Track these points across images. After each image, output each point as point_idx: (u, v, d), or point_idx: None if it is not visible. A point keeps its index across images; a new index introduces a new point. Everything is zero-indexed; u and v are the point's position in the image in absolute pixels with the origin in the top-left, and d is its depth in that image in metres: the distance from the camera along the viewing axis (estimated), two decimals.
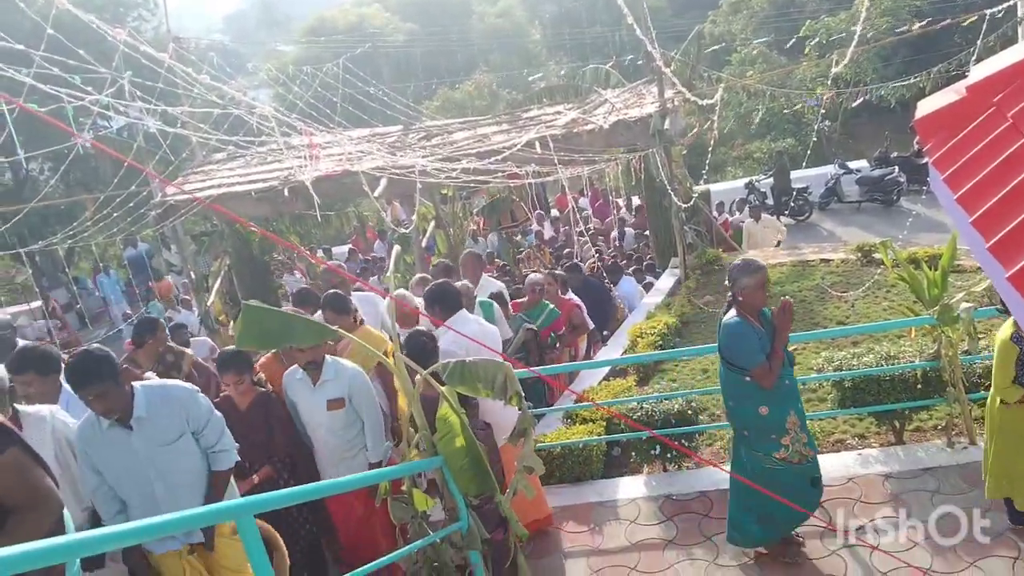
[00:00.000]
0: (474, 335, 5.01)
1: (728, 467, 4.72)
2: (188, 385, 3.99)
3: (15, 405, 3.82)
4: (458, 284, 6.29)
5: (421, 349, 4.63)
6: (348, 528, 5.01)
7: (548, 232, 17.95)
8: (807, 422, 4.46)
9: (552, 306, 7.69)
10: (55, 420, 3.88)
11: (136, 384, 3.81)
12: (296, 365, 4.90)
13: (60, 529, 2.60)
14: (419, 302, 6.01)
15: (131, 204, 10.94)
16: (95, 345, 3.76)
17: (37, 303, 16.84)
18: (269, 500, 3.60)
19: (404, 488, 4.29)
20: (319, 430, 4.83)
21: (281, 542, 4.04)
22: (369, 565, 3.64)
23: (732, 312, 4.38)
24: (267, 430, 4.84)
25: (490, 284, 7.87)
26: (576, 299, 8.36)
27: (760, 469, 4.31)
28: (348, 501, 4.86)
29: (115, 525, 3.70)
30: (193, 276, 13.56)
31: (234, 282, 13.41)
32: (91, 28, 5.96)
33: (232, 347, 5.08)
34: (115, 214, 10.99)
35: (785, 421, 4.25)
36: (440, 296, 5.27)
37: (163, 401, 3.78)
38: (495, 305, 7.01)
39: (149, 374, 5.42)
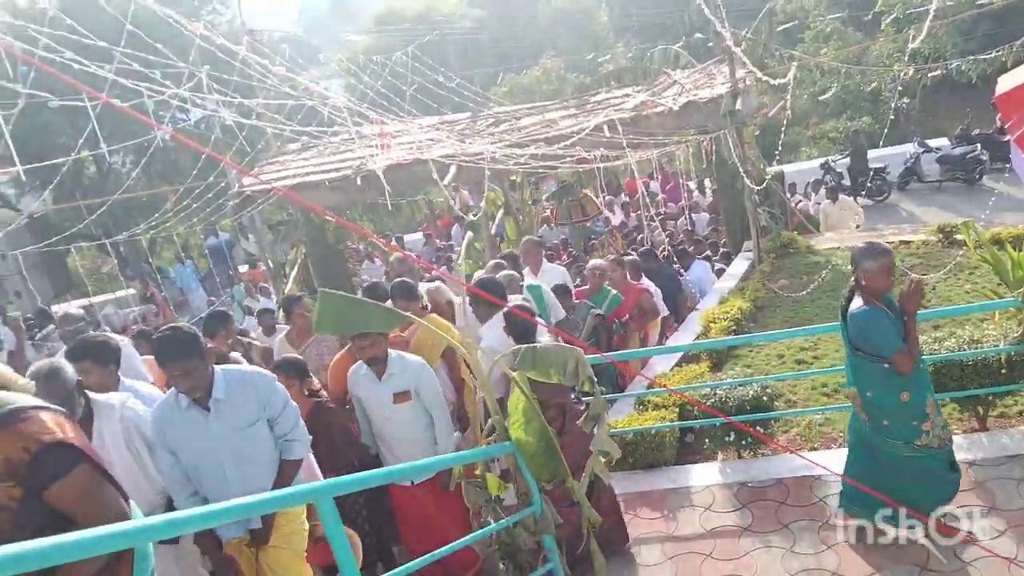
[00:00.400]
0: (497, 336, 5.09)
1: (807, 454, 4.64)
2: (266, 372, 4.05)
3: (87, 393, 3.90)
4: (502, 274, 6.34)
5: (524, 325, 4.80)
6: (414, 525, 4.99)
7: (618, 218, 17.80)
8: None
9: (615, 292, 7.63)
10: (125, 409, 3.96)
11: (217, 367, 3.87)
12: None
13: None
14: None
15: (210, 195, 11.23)
16: (183, 323, 3.86)
17: (122, 292, 17.45)
18: (347, 483, 3.68)
19: (478, 473, 4.34)
20: (387, 424, 4.81)
21: (357, 539, 4.06)
22: (444, 548, 3.69)
23: (858, 300, 4.17)
24: (328, 441, 4.88)
25: (552, 272, 7.86)
26: (646, 284, 8.28)
27: (897, 458, 4.20)
28: (417, 496, 4.87)
29: (185, 509, 3.80)
30: (271, 264, 13.88)
31: (310, 270, 13.67)
32: (168, 23, 6.10)
33: (290, 355, 5.28)
34: (194, 205, 11.30)
35: (925, 406, 4.13)
36: (478, 295, 5.31)
37: (241, 385, 3.83)
38: (543, 287, 6.98)
39: (235, 355, 5.58)
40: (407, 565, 3.32)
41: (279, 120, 9.33)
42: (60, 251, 14.82)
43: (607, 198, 17.76)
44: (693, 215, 16.50)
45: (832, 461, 4.91)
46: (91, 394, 3.92)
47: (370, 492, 4.95)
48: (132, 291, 18.13)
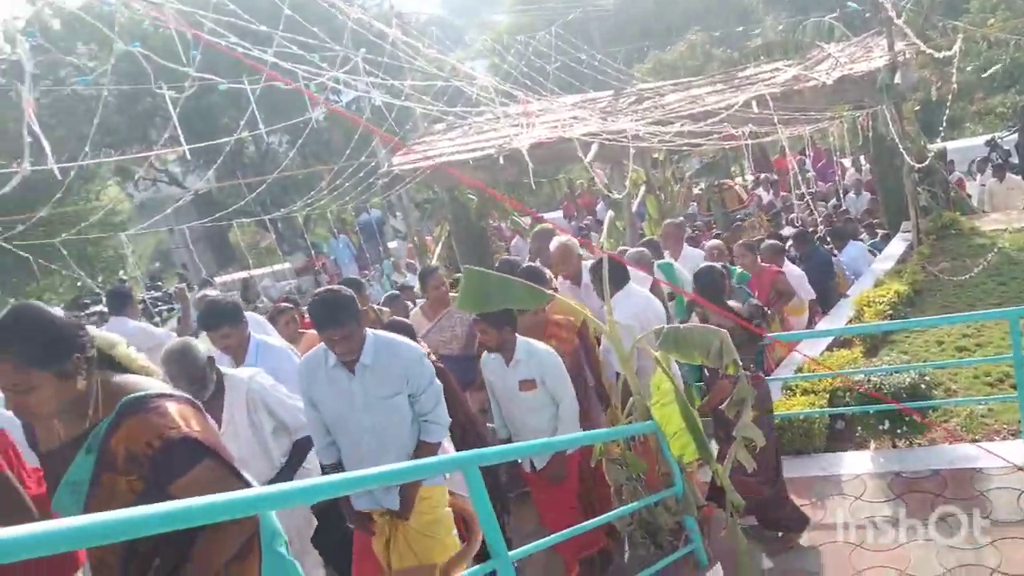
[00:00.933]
0: (630, 313, 4.96)
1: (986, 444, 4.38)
2: (416, 346, 3.94)
3: (219, 368, 3.97)
4: (632, 251, 6.26)
5: (713, 283, 4.82)
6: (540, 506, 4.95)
7: (767, 197, 17.27)
8: None
9: (740, 270, 7.37)
10: (252, 383, 4.00)
11: (369, 331, 3.80)
12: None
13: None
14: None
15: (361, 174, 11.62)
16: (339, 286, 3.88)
17: (280, 265, 18.37)
18: (493, 454, 3.77)
19: (619, 451, 4.35)
20: (514, 410, 4.75)
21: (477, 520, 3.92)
22: (588, 522, 3.74)
23: None
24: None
25: (694, 257, 7.69)
26: (787, 267, 7.96)
27: None
28: (536, 481, 4.81)
29: (323, 458, 3.92)
30: (416, 241, 14.26)
31: (453, 247, 13.97)
32: (322, 6, 6.33)
33: (399, 319, 5.22)
34: (346, 183, 11.73)
35: None
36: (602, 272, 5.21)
37: (389, 354, 3.72)
38: (675, 265, 6.83)
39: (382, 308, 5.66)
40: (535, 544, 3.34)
41: (426, 101, 9.55)
42: (223, 226, 15.72)
43: (757, 176, 17.24)
44: (849, 195, 15.78)
45: (1005, 453, 4.66)
46: (222, 369, 4.00)
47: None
48: (288, 264, 19.07)
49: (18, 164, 4.75)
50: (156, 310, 13.75)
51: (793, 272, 7.92)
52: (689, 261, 7.35)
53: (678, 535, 4.27)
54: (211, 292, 8.78)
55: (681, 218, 10.97)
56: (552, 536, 3.47)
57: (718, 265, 5.46)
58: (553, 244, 6.22)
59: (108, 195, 22.17)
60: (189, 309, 7.13)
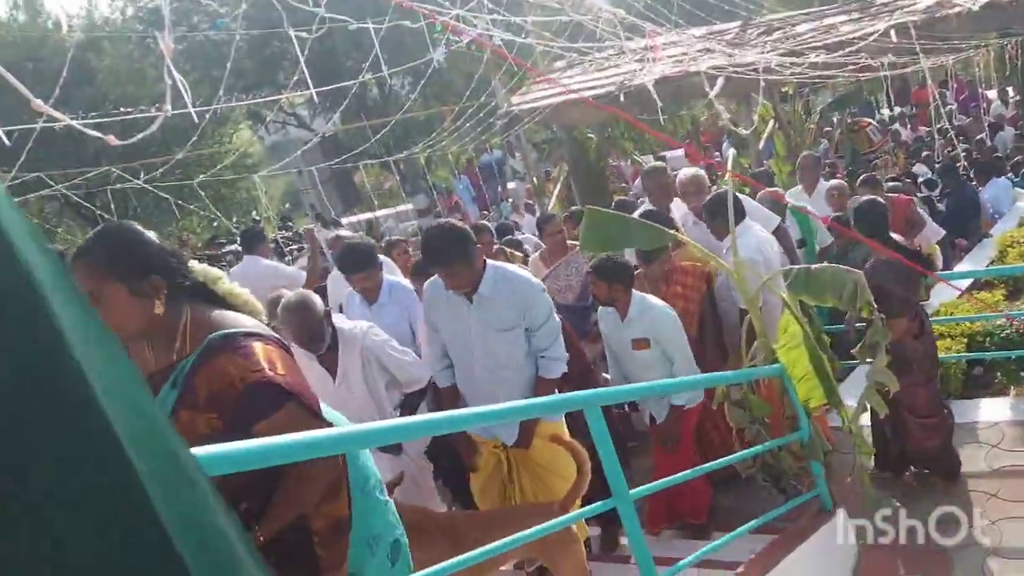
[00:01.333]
0: (754, 247, 4.80)
1: None
2: (535, 281, 3.88)
3: (335, 324, 3.95)
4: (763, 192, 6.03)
5: (876, 217, 4.68)
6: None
7: (904, 133, 16.37)
8: None
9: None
10: (367, 339, 3.97)
11: (491, 263, 3.79)
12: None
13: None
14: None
15: (480, 115, 11.66)
16: (452, 221, 3.91)
17: (403, 206, 18.70)
18: (614, 394, 3.79)
19: (742, 393, 4.29)
20: (629, 366, 4.64)
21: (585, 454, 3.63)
22: (707, 465, 3.72)
23: None
24: None
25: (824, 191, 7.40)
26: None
27: None
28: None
29: (440, 381, 3.98)
30: (536, 182, 14.24)
31: (572, 188, 13.89)
32: None
33: None
34: (467, 124, 11.80)
35: None
36: (718, 208, 4.95)
37: (508, 287, 3.68)
38: (809, 214, 6.50)
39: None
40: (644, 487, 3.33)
41: (548, 37, 9.45)
42: (348, 168, 16.10)
43: (896, 111, 16.32)
44: (995, 130, 14.76)
45: None
46: (338, 323, 4.00)
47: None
48: (411, 206, 19.42)
49: (157, 108, 4.98)
50: (288, 249, 14.28)
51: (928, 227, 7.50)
52: (824, 196, 7.18)
53: (802, 479, 4.20)
54: (343, 232, 9.03)
55: (818, 152, 10.48)
56: (672, 477, 3.46)
57: (879, 199, 5.22)
58: (684, 174, 6.01)
59: (241, 138, 22.95)
60: (317, 249, 7.37)
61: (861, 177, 7.96)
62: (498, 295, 3.67)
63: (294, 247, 14.83)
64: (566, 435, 3.76)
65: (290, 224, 20.57)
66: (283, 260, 11.94)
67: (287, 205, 26.10)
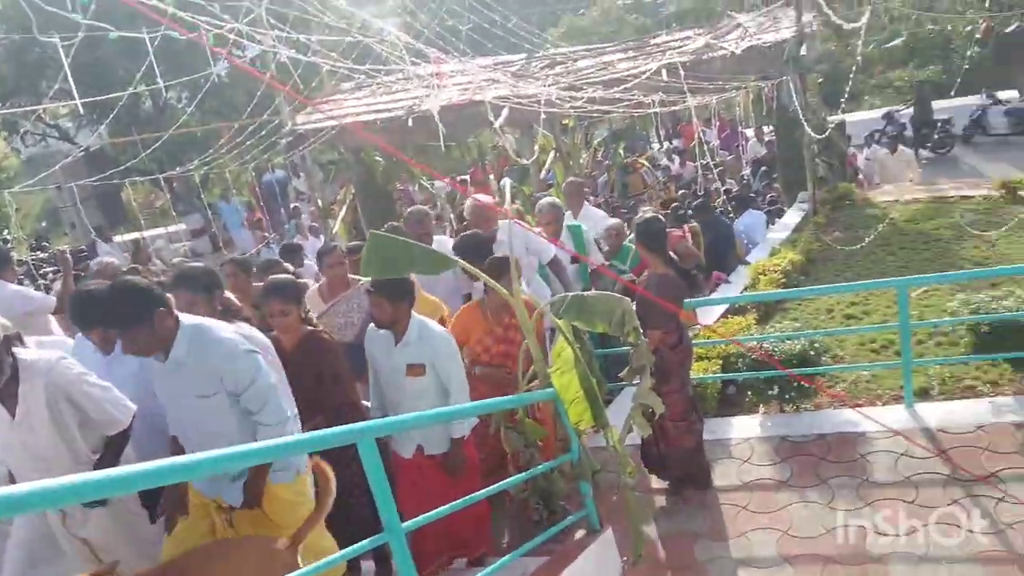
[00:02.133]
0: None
1: (867, 410, 4.59)
2: (233, 340, 3.46)
3: (14, 352, 3.53)
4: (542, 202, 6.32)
5: (654, 232, 4.80)
6: (417, 501, 4.11)
7: (675, 168, 17.51)
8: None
9: (635, 248, 7.31)
10: (53, 372, 3.51)
11: (188, 321, 3.42)
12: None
13: None
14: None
15: (262, 132, 11.29)
16: (132, 280, 3.48)
17: (174, 227, 17.65)
18: (390, 425, 3.74)
19: (518, 417, 4.38)
20: (398, 394, 4.33)
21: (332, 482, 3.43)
22: (481, 492, 3.75)
23: None
24: (315, 374, 4.21)
25: (593, 215, 7.78)
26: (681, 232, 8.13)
27: None
28: (423, 469, 4.32)
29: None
30: (320, 204, 13.96)
31: (358, 210, 13.75)
32: None
33: (283, 276, 4.78)
34: (248, 142, 11.38)
35: None
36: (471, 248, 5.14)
37: (202, 350, 3.37)
38: (583, 227, 6.85)
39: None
40: (413, 521, 3.16)
41: (334, 57, 9.31)
42: (115, 185, 15.04)
43: (668, 145, 17.39)
44: (757, 167, 16.12)
45: (886, 418, 4.88)
46: (19, 353, 3.54)
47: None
48: (183, 226, 18.40)
49: None
50: (41, 272, 13.11)
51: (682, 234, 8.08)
52: (589, 220, 7.45)
53: (572, 500, 4.34)
54: (109, 259, 8.39)
55: (580, 179, 10.87)
56: (448, 505, 3.44)
57: (659, 216, 5.50)
58: (467, 205, 6.14)
59: None
60: (70, 272, 6.80)
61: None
62: (192, 359, 3.36)
63: (49, 270, 13.66)
64: (305, 494, 3.60)
65: (46, 244, 18.95)
66: (35, 284, 10.99)
67: (43, 224, 24.14)
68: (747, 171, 15.81)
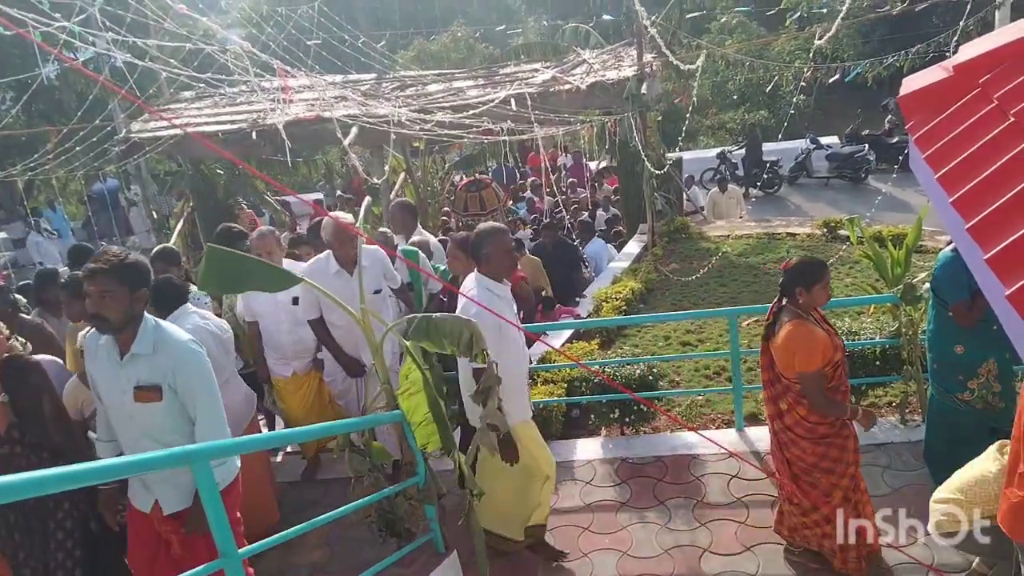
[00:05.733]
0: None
1: (705, 432, 4.78)
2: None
3: None
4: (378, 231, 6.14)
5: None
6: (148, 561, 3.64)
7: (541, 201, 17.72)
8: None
9: (444, 267, 6.91)
10: None
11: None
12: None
13: None
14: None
15: (94, 139, 10.64)
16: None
17: None
18: (231, 446, 3.53)
19: (363, 440, 4.27)
20: (125, 426, 3.44)
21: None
22: (323, 516, 3.62)
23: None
24: (14, 409, 3.66)
25: (422, 236, 7.63)
26: (524, 257, 8.20)
27: (942, 407, 4.39)
28: (162, 527, 3.56)
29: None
30: (155, 215, 13.29)
31: (196, 224, 13.17)
32: None
33: None
34: (77, 148, 10.69)
35: (980, 366, 4.23)
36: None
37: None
38: (420, 253, 6.44)
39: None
40: None
41: (174, 64, 8.90)
42: None
43: (532, 180, 17.47)
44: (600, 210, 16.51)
45: (719, 440, 5.09)
46: None
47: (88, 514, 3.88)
48: (4, 235, 17.12)
49: None
50: None
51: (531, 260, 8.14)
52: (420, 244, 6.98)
53: (417, 524, 4.26)
54: None
55: (408, 200, 10.51)
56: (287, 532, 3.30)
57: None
58: (324, 224, 5.76)
59: None
60: None
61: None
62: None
63: None
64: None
65: None
66: None
67: None
68: (604, 206, 16.18)
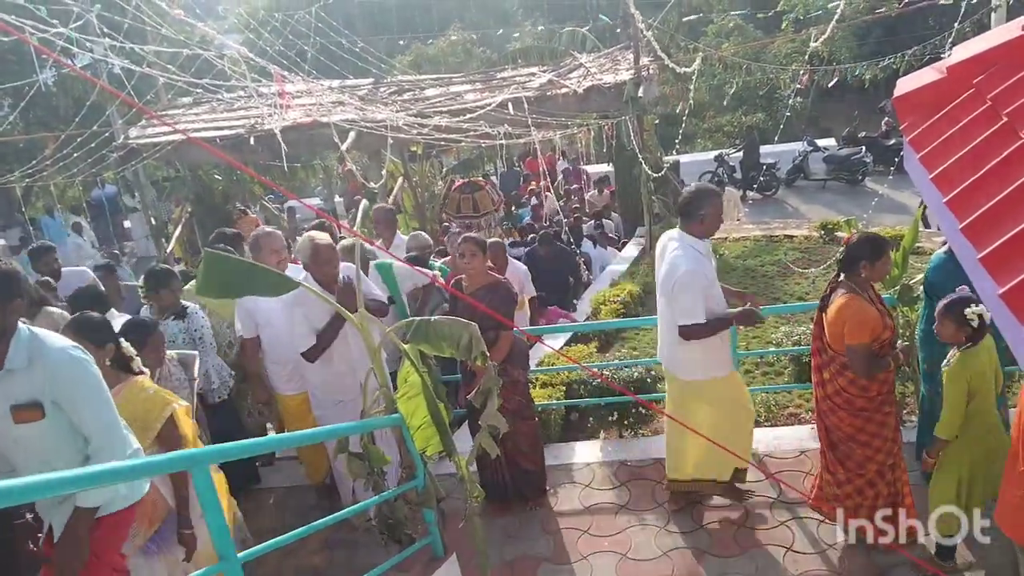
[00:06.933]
0: None
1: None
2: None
3: None
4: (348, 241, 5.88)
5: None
6: None
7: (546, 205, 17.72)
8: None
9: (440, 263, 7.02)
10: None
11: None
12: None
13: None
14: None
15: (92, 145, 10.64)
16: None
17: None
18: (227, 451, 3.53)
19: (362, 444, 4.27)
20: (13, 453, 3.12)
21: None
22: (322, 520, 3.62)
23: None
24: None
25: (403, 244, 7.50)
26: (511, 265, 7.85)
27: (934, 407, 4.40)
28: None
29: None
30: (154, 221, 13.29)
31: (195, 229, 13.18)
32: None
33: None
34: (75, 154, 10.70)
35: None
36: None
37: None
38: (394, 267, 6.05)
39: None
40: None
41: (172, 70, 8.93)
42: None
43: (531, 188, 17.43)
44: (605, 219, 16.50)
45: None
46: None
47: None
48: (2, 242, 17.12)
49: None
50: None
51: (519, 269, 7.84)
52: (400, 250, 6.87)
53: (416, 528, 4.27)
54: None
55: (389, 206, 10.36)
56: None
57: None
58: (300, 241, 5.60)
59: None
60: None
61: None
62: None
63: None
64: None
65: None
66: None
67: None
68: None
